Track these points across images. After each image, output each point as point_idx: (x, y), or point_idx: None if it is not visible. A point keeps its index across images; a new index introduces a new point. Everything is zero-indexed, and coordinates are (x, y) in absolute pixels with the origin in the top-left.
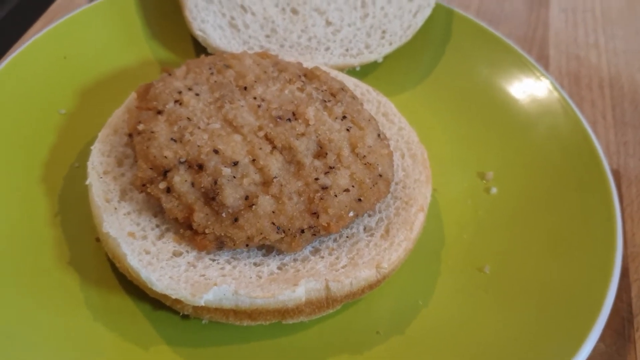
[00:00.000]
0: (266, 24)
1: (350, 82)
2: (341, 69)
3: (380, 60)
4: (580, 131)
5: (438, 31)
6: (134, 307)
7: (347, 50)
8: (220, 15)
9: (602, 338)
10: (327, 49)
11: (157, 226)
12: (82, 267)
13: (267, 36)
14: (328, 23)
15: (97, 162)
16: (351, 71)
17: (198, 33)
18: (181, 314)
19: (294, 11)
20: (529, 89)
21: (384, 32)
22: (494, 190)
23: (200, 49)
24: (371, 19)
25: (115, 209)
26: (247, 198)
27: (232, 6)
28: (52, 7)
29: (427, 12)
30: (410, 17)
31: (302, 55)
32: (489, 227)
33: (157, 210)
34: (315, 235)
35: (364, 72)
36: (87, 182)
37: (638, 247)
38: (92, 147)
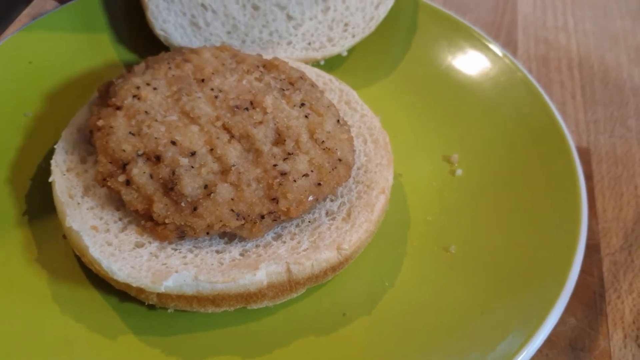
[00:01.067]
0: (227, 21)
1: (313, 72)
2: (306, 63)
3: (344, 53)
4: (544, 110)
5: (401, 20)
6: (101, 299)
7: (309, 44)
8: (181, 14)
9: (573, 313)
10: (289, 43)
11: (120, 219)
12: (49, 264)
13: (229, 32)
14: (289, 17)
15: (61, 160)
16: (316, 65)
17: (160, 33)
18: (147, 304)
19: (255, 7)
20: (492, 71)
21: (346, 24)
22: (459, 172)
23: (164, 49)
24: (333, 12)
25: (79, 204)
26: (206, 187)
27: (193, 5)
28: (22, 15)
29: (389, 4)
30: (372, 9)
31: (264, 50)
32: (454, 207)
33: (119, 204)
34: (275, 220)
35: (328, 64)
36: (51, 179)
37: (609, 223)
38: (55, 146)
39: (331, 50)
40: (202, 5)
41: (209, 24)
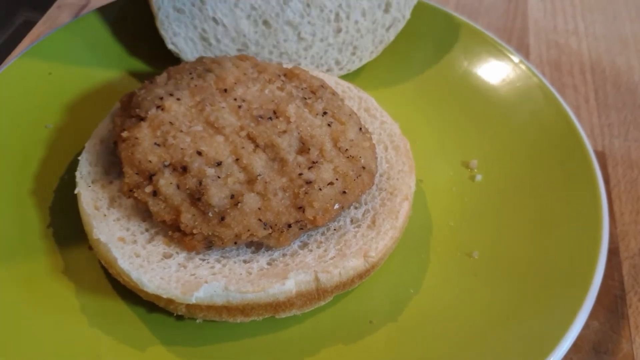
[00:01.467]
0: (238, 38)
1: (332, 80)
2: None
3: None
4: (561, 114)
5: (417, 27)
6: (128, 310)
7: (317, 66)
8: (191, 27)
9: (595, 316)
10: (298, 65)
11: (147, 230)
12: (76, 275)
13: (239, 50)
14: (300, 38)
15: (85, 171)
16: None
17: (171, 47)
18: (175, 315)
19: (266, 24)
20: (509, 77)
21: (355, 48)
22: (478, 177)
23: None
24: (344, 34)
25: (105, 215)
26: (232, 197)
27: (204, 18)
28: (37, 25)
29: (400, 26)
30: (383, 32)
31: None
32: (475, 213)
33: (145, 215)
34: (302, 229)
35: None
36: (76, 192)
37: (627, 226)
38: (79, 158)
39: (337, 73)
40: (214, 19)
41: (219, 40)
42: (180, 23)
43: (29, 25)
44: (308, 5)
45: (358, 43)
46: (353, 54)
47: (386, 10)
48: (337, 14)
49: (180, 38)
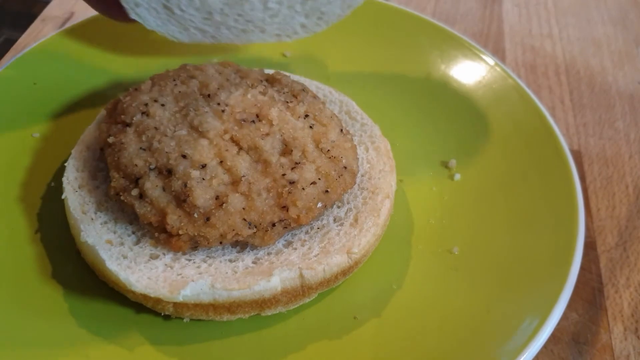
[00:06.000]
0: (202, 7)
1: (313, 85)
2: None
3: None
4: (537, 115)
5: (396, 33)
6: (116, 312)
7: (282, 32)
8: None
9: (574, 308)
10: (263, 31)
11: (134, 233)
12: (64, 279)
13: (205, 19)
14: (266, 7)
15: (72, 177)
16: (315, 77)
17: (134, 17)
18: (162, 315)
19: None
20: (485, 79)
21: (322, 13)
22: (457, 176)
23: (167, 67)
24: (312, 2)
25: (92, 219)
26: (217, 198)
27: None
28: (21, 38)
29: None
30: None
31: (237, 37)
32: (454, 211)
33: (132, 218)
34: (286, 228)
35: (325, 75)
36: (64, 197)
37: (603, 221)
38: (66, 164)
39: (302, 36)
40: None
41: (183, 10)
42: None
43: (10, 44)
44: None
45: (326, 9)
46: (319, 18)
47: None
48: None
49: (142, 9)
